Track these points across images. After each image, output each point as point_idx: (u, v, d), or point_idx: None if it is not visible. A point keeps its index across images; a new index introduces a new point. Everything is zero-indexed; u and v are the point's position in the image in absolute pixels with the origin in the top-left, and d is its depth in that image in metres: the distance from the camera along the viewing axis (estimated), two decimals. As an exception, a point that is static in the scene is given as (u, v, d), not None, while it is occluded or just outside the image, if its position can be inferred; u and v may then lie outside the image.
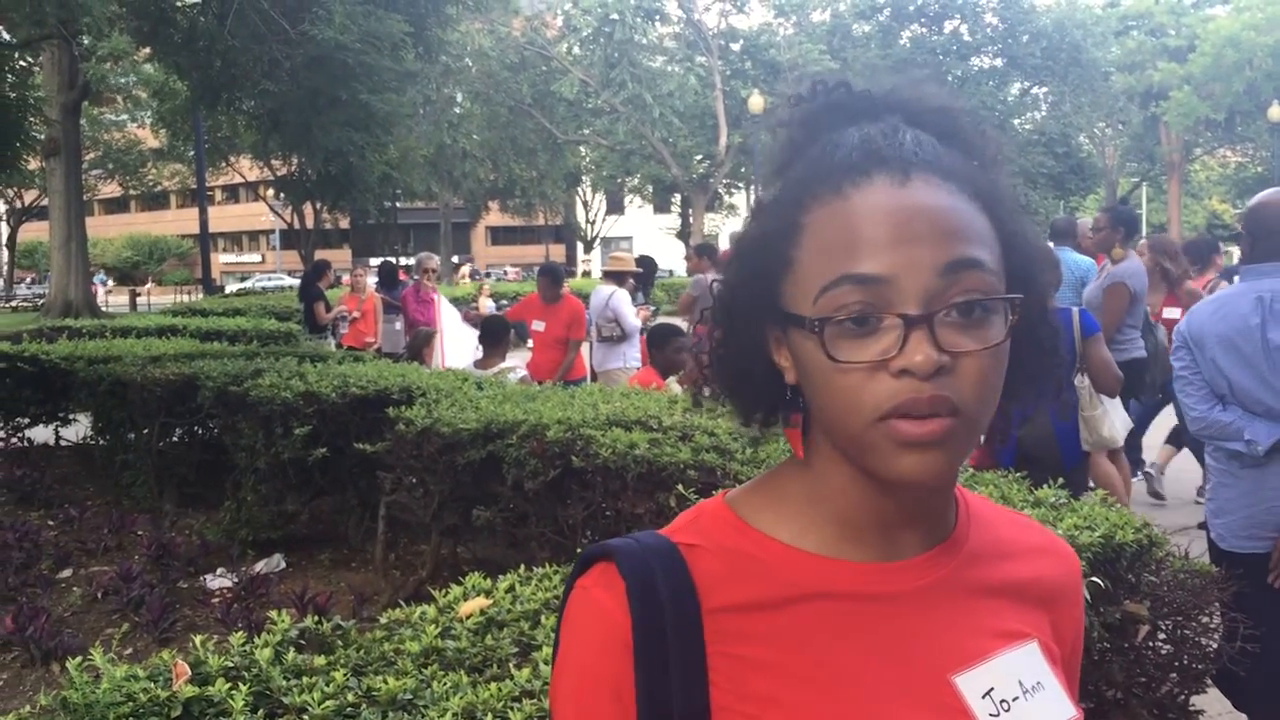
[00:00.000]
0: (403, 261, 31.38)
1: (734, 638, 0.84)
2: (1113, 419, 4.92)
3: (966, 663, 0.87)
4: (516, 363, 7.60)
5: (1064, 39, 43.40)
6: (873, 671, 0.84)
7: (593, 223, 56.33)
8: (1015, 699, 0.89)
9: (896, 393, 0.78)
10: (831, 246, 0.81)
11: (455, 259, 50.45)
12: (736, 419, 0.94)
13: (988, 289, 0.80)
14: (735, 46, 45.95)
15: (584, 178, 51.94)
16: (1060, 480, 3.05)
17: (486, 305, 23.24)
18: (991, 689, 0.88)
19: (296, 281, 23.12)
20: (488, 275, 46.89)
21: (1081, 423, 4.81)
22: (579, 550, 2.71)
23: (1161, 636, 2.74)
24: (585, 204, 55.81)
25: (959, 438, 0.79)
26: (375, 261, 18.45)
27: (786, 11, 47.43)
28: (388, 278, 13.66)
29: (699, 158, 43.50)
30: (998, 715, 0.87)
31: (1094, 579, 2.38)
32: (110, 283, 57.00)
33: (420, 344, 8.64)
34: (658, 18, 43.90)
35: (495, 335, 7.54)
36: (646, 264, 11.78)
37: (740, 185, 48.45)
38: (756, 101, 32.62)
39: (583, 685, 0.86)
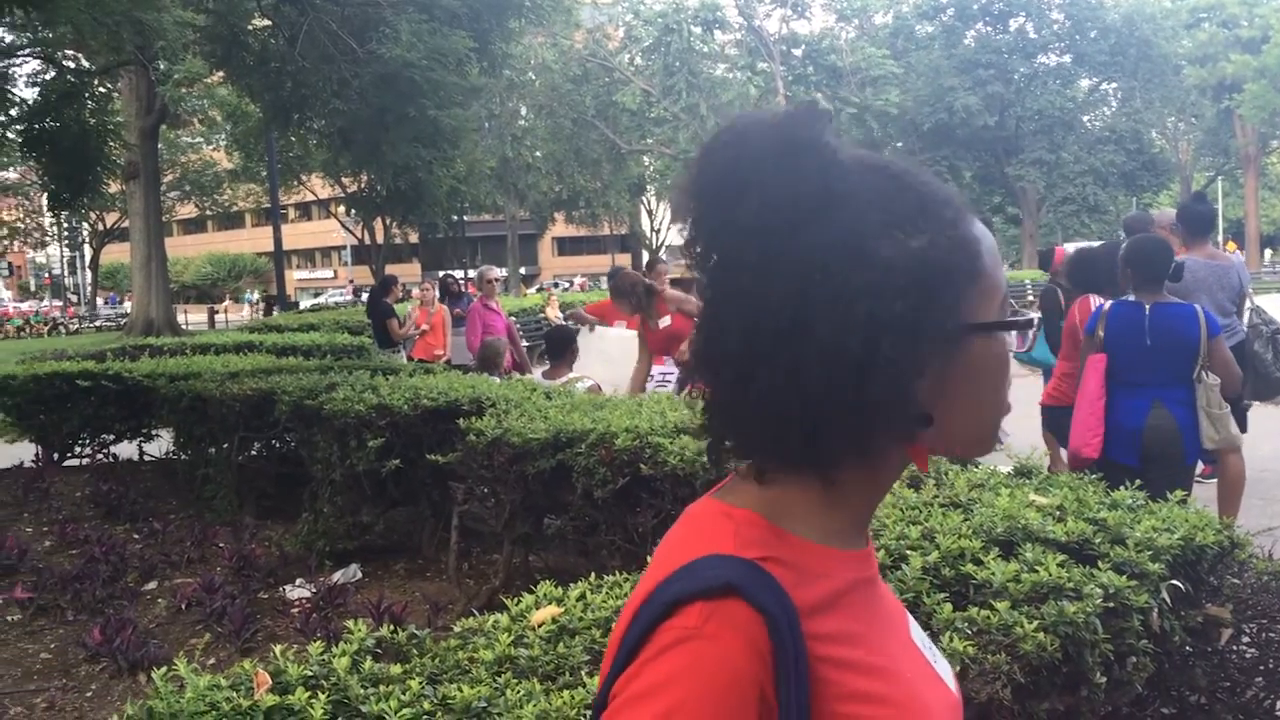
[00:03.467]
0: (470, 273, 31.72)
1: (821, 641, 0.84)
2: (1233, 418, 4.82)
3: (906, 622, 0.99)
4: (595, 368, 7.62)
5: (1133, 33, 42.59)
6: (895, 647, 0.92)
7: (658, 231, 56.43)
8: (931, 648, 1.01)
9: None
10: (995, 259, 0.91)
11: (523, 270, 50.85)
12: (774, 460, 0.88)
13: None
14: (797, 52, 45.78)
15: (648, 186, 52.08)
16: (1138, 482, 3.00)
17: (555, 315, 23.41)
18: (923, 642, 1.00)
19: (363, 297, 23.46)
20: (555, 285, 47.18)
21: (1208, 420, 4.68)
22: (650, 558, 2.71)
23: (1245, 640, 2.68)
24: (650, 213, 55.92)
25: None
26: (442, 274, 18.68)
27: (848, 15, 47.12)
28: (446, 291, 13.78)
29: (763, 163, 43.36)
30: (936, 662, 0.99)
31: (1174, 582, 2.34)
32: (256, 295, 57.83)
33: (490, 355, 8.72)
34: (718, 27, 43.89)
35: (561, 346, 7.58)
36: None
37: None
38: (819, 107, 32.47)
39: None
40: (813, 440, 0.85)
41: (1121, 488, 2.93)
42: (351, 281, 61.12)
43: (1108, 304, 5.00)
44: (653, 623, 0.82)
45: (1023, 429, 9.02)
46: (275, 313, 41.53)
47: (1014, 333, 0.93)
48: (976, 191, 50.22)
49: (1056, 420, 5.98)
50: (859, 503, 0.92)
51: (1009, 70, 44.34)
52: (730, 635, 0.79)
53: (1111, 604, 2.16)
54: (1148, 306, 4.69)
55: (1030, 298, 28.71)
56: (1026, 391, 12.57)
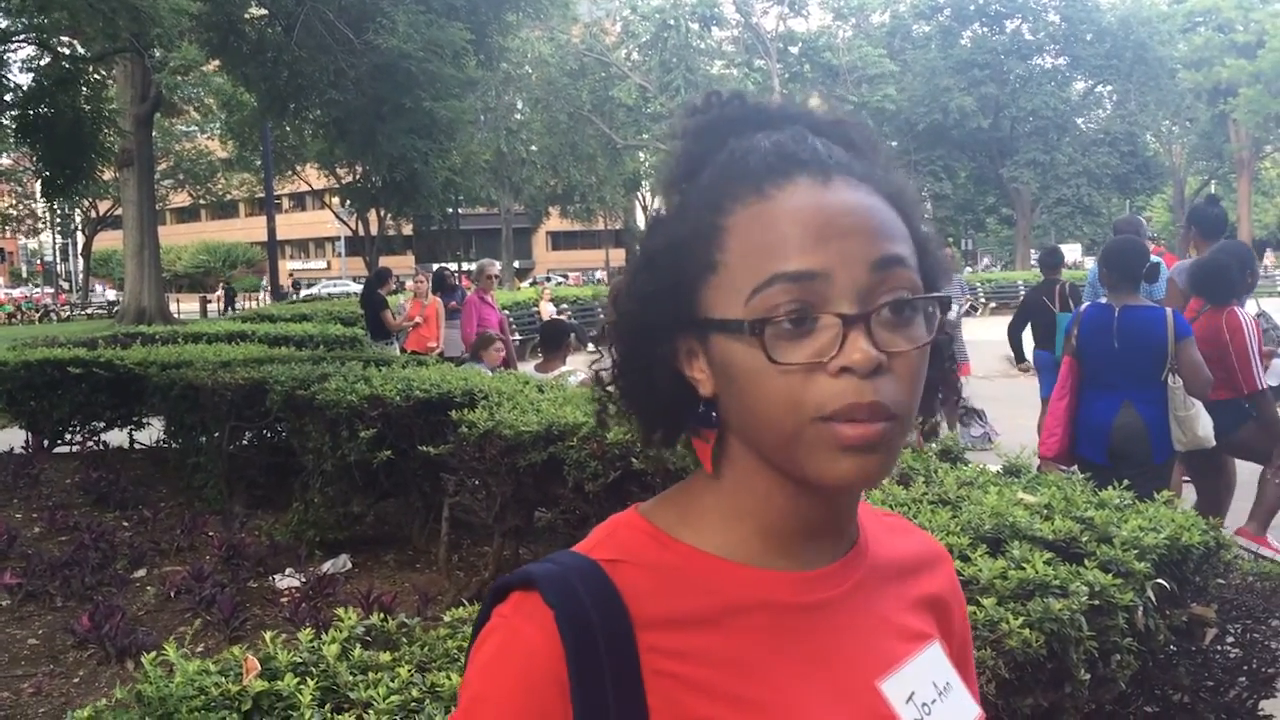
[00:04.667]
0: (465, 266, 31.71)
1: (669, 656, 0.80)
2: (1204, 420, 4.86)
3: (887, 668, 0.87)
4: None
5: (1129, 37, 42.73)
6: (809, 684, 0.83)
7: (652, 227, 56.39)
8: (933, 701, 0.89)
9: (839, 394, 0.76)
10: (760, 246, 0.78)
11: (517, 264, 50.81)
12: (638, 438, 0.90)
13: (913, 287, 0.79)
14: (794, 49, 45.82)
15: (643, 182, 52.10)
16: (1126, 482, 3.02)
17: (547, 310, 23.41)
18: (913, 693, 0.88)
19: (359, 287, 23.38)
20: (548, 280, 47.19)
21: (1175, 423, 4.75)
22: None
23: (1230, 640, 2.70)
24: (645, 208, 55.90)
25: (895, 439, 0.79)
26: (436, 268, 18.68)
27: (845, 14, 47.17)
28: (441, 284, 13.81)
29: (758, 160, 43.54)
30: (925, 718, 0.88)
31: (1159, 581, 2.35)
32: (266, 284, 56.97)
33: (483, 345, 8.74)
34: (715, 24, 43.91)
35: (554, 339, 7.59)
36: None
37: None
38: (816, 104, 32.51)
39: None
40: (638, 414, 0.88)
41: (1096, 485, 2.95)
42: (292, 275, 60.44)
43: (1083, 307, 5.11)
44: (490, 605, 0.84)
45: (1013, 428, 9.06)
46: (235, 308, 41.19)
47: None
48: (971, 192, 50.33)
49: None
50: (755, 512, 0.85)
51: (1004, 71, 44.43)
52: (529, 628, 0.79)
53: (1097, 602, 2.17)
54: (1117, 309, 4.77)
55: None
56: (1015, 391, 12.60)
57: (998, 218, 54.78)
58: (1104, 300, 4.97)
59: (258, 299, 45.56)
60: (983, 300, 31.14)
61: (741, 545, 0.84)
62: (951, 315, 0.84)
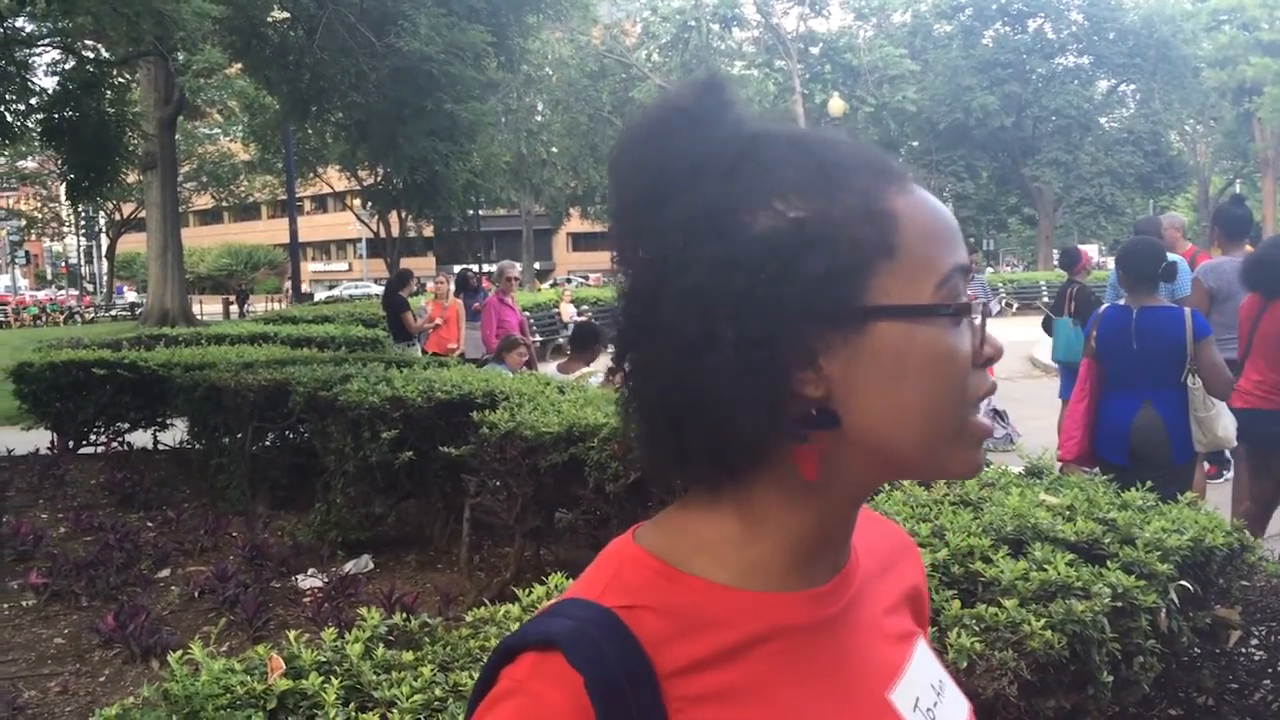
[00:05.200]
0: (485, 268, 31.77)
1: (693, 703, 0.75)
2: (1225, 420, 4.82)
3: (891, 677, 0.85)
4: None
5: (1152, 35, 42.41)
6: (828, 706, 0.80)
7: (673, 228, 56.30)
8: (935, 704, 0.88)
9: (984, 382, 0.79)
10: (933, 235, 0.77)
11: (537, 265, 50.91)
12: (665, 471, 0.82)
13: None
14: (815, 50, 45.74)
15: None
16: (1149, 483, 3.00)
17: (568, 311, 23.44)
18: (917, 699, 0.86)
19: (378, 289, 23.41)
20: (569, 281, 47.24)
21: (1195, 423, 4.72)
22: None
23: (1254, 643, 2.68)
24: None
25: None
26: (459, 269, 18.72)
27: (866, 14, 47.06)
28: (464, 285, 13.86)
29: (780, 161, 43.50)
30: None
31: (1182, 583, 2.34)
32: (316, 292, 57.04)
33: (508, 348, 8.77)
34: (736, 24, 43.89)
35: (584, 341, 7.61)
36: None
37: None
38: (837, 104, 32.43)
39: None
40: (689, 443, 0.77)
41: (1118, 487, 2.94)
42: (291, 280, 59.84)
43: (1103, 308, 5.09)
44: (496, 666, 0.76)
45: (1035, 429, 9.02)
46: (247, 311, 41.14)
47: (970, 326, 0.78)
48: (993, 192, 50.10)
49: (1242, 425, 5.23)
50: (782, 530, 0.80)
51: (1027, 70, 44.22)
52: (553, 693, 0.72)
53: (1120, 603, 2.16)
54: (1135, 310, 4.75)
55: (1046, 299, 28.63)
56: (1037, 392, 12.54)
57: (1020, 217, 54.49)
58: (1123, 302, 4.95)
59: (282, 300, 45.77)
60: (1006, 301, 31.02)
61: (759, 569, 0.80)
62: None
